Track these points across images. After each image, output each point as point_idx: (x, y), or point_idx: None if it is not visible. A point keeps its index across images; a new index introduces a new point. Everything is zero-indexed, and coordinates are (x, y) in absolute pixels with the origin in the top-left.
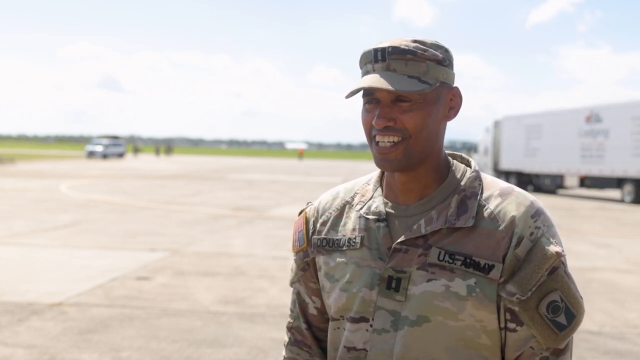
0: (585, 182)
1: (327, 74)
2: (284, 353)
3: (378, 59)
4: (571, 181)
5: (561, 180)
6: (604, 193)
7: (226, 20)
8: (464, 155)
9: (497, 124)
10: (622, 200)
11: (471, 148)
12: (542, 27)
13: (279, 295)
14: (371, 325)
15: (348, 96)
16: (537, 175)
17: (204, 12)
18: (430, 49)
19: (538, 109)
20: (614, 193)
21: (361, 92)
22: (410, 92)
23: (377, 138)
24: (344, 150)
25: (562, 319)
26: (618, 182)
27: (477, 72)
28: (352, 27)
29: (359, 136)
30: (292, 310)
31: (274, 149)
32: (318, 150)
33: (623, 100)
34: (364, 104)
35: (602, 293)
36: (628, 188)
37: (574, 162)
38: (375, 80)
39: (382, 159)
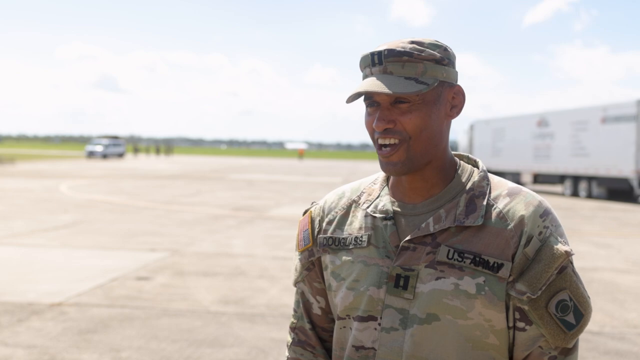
0: (538, 178)
1: (324, 73)
2: (287, 353)
3: (375, 62)
4: (526, 178)
5: (519, 177)
6: (553, 188)
7: (220, 19)
8: (470, 155)
9: (471, 127)
10: (562, 194)
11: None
12: (539, 27)
13: (279, 295)
14: (379, 324)
15: (348, 101)
16: (502, 173)
17: (198, 12)
18: (428, 49)
19: (537, 109)
20: (559, 188)
21: (362, 96)
22: (407, 93)
23: (379, 141)
24: (344, 150)
25: (570, 318)
26: (560, 178)
27: (475, 72)
28: (348, 26)
29: (359, 136)
30: (295, 310)
31: (274, 149)
32: (318, 150)
33: (565, 107)
34: (366, 107)
35: (602, 293)
36: (567, 183)
37: (528, 161)
38: (372, 84)
39: (386, 163)
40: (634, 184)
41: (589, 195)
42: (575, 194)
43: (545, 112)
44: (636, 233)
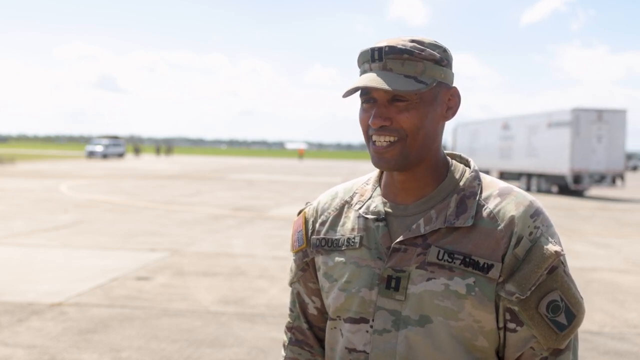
0: (504, 176)
1: (324, 73)
2: (283, 353)
3: (375, 58)
4: (494, 175)
5: (489, 174)
6: (513, 184)
7: (220, 19)
8: (462, 155)
9: (455, 130)
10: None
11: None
12: (537, 27)
13: (279, 295)
14: (371, 326)
15: (345, 95)
16: None
17: (198, 12)
18: (428, 49)
19: (537, 109)
20: (518, 183)
21: (359, 92)
22: (406, 91)
23: (374, 137)
24: (344, 150)
25: (562, 318)
26: (518, 176)
27: (473, 72)
28: (347, 26)
29: (359, 136)
30: (291, 310)
31: (274, 149)
32: (318, 150)
33: (524, 112)
34: (362, 103)
35: (602, 293)
36: (523, 180)
37: (496, 160)
38: (371, 79)
39: (379, 159)
40: (569, 180)
41: (539, 190)
42: (528, 189)
43: (508, 116)
44: (636, 233)
